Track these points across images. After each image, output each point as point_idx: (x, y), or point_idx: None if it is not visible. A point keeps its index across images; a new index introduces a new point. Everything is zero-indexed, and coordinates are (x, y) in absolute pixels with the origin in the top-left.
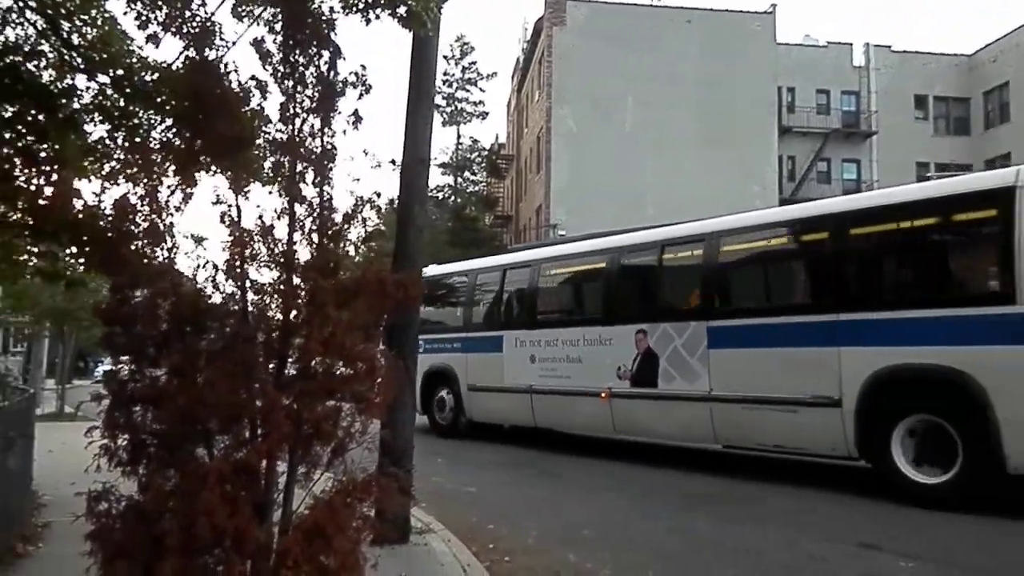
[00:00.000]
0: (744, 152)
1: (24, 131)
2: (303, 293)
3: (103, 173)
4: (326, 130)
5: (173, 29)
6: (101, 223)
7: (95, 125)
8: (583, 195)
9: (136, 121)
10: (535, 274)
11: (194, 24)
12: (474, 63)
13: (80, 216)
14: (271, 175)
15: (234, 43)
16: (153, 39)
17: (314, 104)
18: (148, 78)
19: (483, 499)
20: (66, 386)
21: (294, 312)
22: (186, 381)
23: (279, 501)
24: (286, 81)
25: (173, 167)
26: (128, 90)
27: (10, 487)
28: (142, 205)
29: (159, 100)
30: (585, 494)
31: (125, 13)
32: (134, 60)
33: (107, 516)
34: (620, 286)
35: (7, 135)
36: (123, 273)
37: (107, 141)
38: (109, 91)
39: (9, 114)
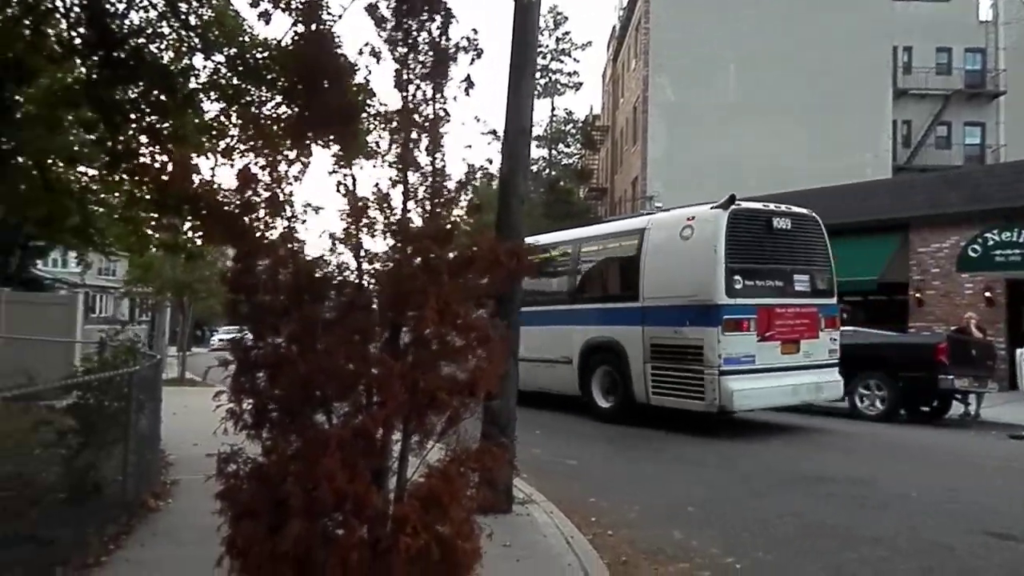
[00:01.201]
0: (855, 118)
1: (147, 111)
2: (418, 261)
3: (219, 149)
4: (438, 96)
5: (283, 5)
6: (219, 197)
7: (211, 103)
8: (681, 166)
9: (248, 98)
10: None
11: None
12: (567, 33)
13: (199, 191)
14: (374, 148)
15: (340, 16)
16: (264, 16)
17: (427, 70)
18: (259, 56)
19: (584, 472)
20: (186, 353)
21: (408, 281)
22: (305, 348)
23: (393, 469)
24: (399, 47)
25: (288, 140)
26: (241, 68)
27: (143, 447)
28: (263, 176)
29: (269, 77)
30: (690, 470)
31: None
32: (246, 39)
33: (235, 477)
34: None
35: (132, 115)
36: (243, 244)
37: (222, 118)
38: (223, 70)
39: (134, 95)
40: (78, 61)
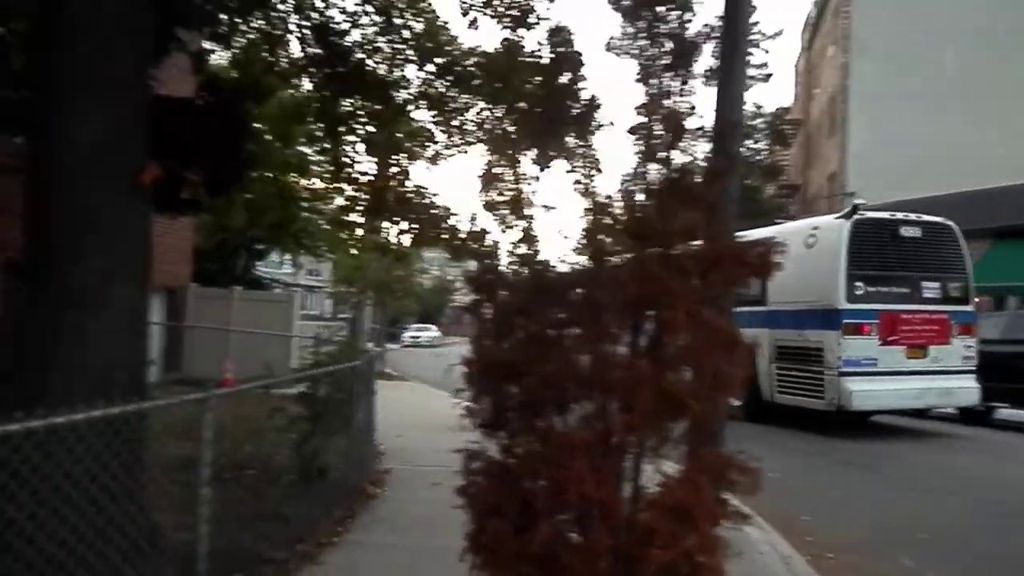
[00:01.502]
0: None
1: (365, 121)
2: (664, 260)
3: (428, 155)
4: (683, 88)
5: (491, 13)
6: (427, 200)
7: (421, 111)
8: (884, 160)
9: (454, 105)
10: None
11: (513, 6)
12: (755, 23)
13: (410, 196)
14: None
15: (545, 19)
16: (473, 24)
17: (670, 62)
18: (466, 64)
19: (790, 486)
20: (383, 349)
21: (654, 281)
22: (546, 349)
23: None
24: (641, 38)
25: (525, 140)
26: (450, 77)
27: (361, 436)
28: (505, 176)
29: (474, 83)
30: (907, 491)
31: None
32: (455, 49)
33: (480, 474)
34: None
35: (352, 126)
36: (447, 246)
37: (431, 126)
38: (433, 79)
39: (352, 107)
40: (305, 79)
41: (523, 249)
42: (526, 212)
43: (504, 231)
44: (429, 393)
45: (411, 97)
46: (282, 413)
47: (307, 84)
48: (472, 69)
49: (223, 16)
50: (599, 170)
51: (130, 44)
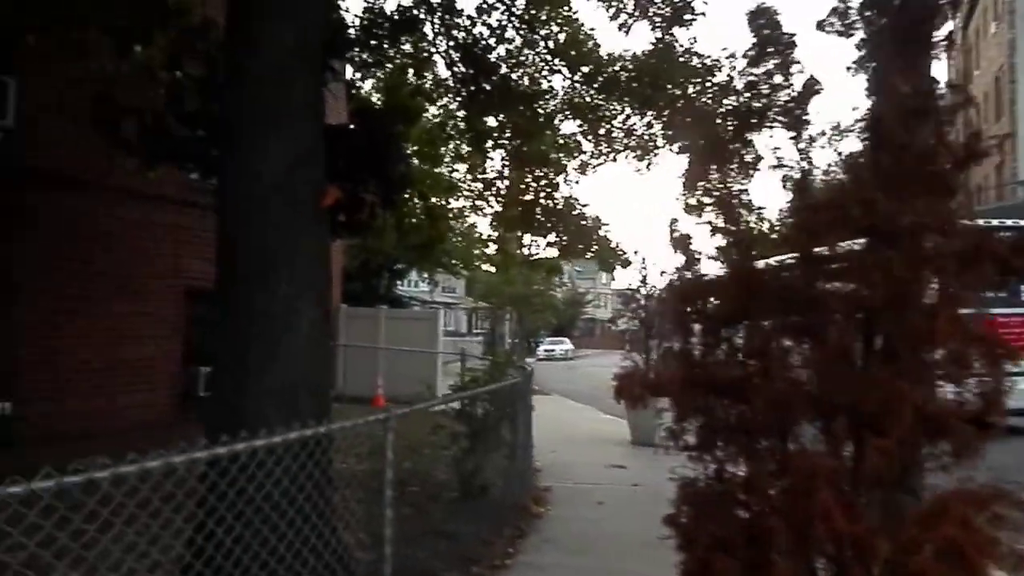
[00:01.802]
0: None
1: (511, 136)
2: (908, 257)
3: (576, 166)
4: (921, 62)
5: (640, 13)
6: (576, 211)
7: (567, 121)
8: None
9: (600, 113)
10: None
11: (663, 5)
12: None
13: (558, 207)
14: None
15: (702, 14)
16: (624, 27)
17: (903, 35)
18: (614, 70)
19: None
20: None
21: (905, 282)
22: (766, 363)
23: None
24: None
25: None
26: (596, 85)
27: (520, 453)
28: (714, 178)
29: (620, 91)
30: None
31: (598, 6)
32: (602, 56)
33: (694, 503)
34: None
35: (499, 140)
36: (690, 251)
37: (578, 136)
38: (579, 87)
39: (498, 122)
40: (449, 98)
41: (733, 254)
42: (737, 212)
43: (712, 234)
44: (572, 407)
45: (557, 108)
46: (443, 430)
47: (452, 104)
48: (620, 74)
49: (374, 43)
50: (810, 163)
51: (305, 73)
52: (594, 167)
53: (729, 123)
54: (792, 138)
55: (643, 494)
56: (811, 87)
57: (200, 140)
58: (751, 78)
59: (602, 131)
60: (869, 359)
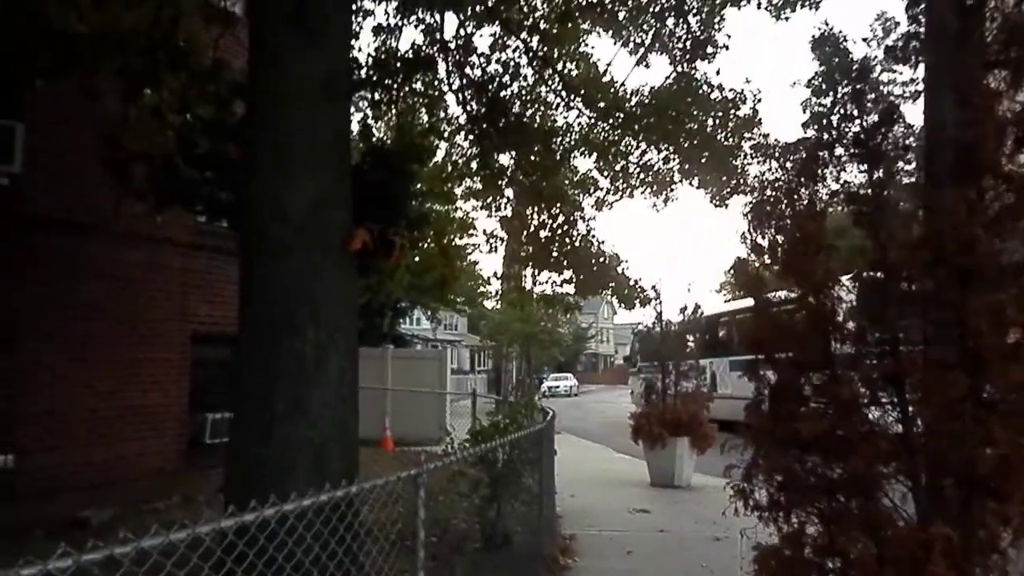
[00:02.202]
0: None
1: (529, 172)
2: (1019, 304)
3: (592, 202)
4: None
5: (659, 48)
6: (593, 248)
7: (583, 158)
8: None
9: (616, 149)
10: None
11: (684, 39)
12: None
13: (576, 244)
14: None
15: (724, 47)
16: (643, 61)
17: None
18: (630, 105)
19: None
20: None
21: (999, 331)
22: (848, 414)
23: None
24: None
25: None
26: (611, 120)
27: (544, 499)
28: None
29: (637, 126)
30: None
31: (616, 42)
32: (617, 89)
33: (781, 571)
34: None
35: (514, 177)
36: (616, 294)
37: (593, 172)
38: (597, 124)
39: (513, 159)
40: (462, 136)
41: (809, 296)
42: (811, 251)
43: (785, 275)
44: (584, 446)
45: (573, 144)
46: (464, 478)
47: (465, 142)
48: (637, 109)
49: (387, 81)
50: (889, 197)
51: (331, 111)
52: (610, 204)
53: (757, 158)
54: (866, 171)
55: (671, 541)
56: (889, 114)
57: (209, 182)
58: (819, 109)
59: (618, 167)
60: (978, 413)
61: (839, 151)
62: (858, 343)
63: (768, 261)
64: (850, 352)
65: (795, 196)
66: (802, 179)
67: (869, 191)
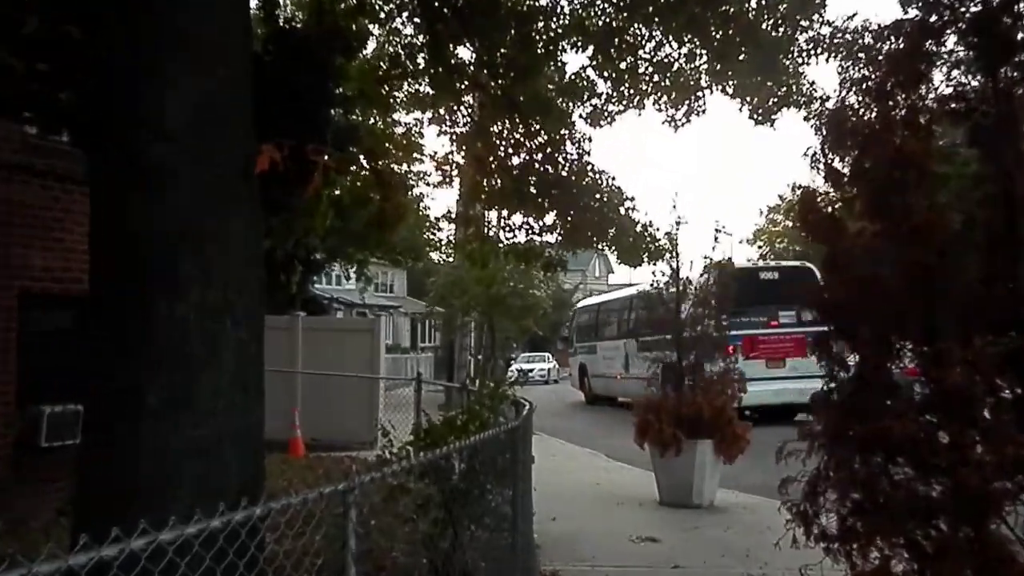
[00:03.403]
0: None
1: (498, 70)
2: None
3: (585, 113)
4: None
5: None
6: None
7: (575, 52)
8: None
9: (621, 39)
10: None
11: None
12: None
13: (562, 175)
14: None
15: None
16: None
17: None
18: None
19: None
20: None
21: None
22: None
23: None
24: None
25: None
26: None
27: (519, 524)
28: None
29: (652, 7)
30: None
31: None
32: None
33: None
34: None
35: (479, 80)
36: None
37: (589, 72)
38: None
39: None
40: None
41: (906, 242)
42: (910, 181)
43: (871, 217)
44: (568, 451)
45: (560, 32)
46: (407, 495)
47: (409, 26)
48: None
49: None
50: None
51: None
52: (611, 117)
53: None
54: (988, 69)
55: None
56: None
57: (43, 77)
58: None
59: (624, 65)
60: None
61: (951, 41)
62: (975, 311)
63: (849, 193)
64: (962, 322)
65: (889, 104)
66: (899, 80)
67: (992, 98)
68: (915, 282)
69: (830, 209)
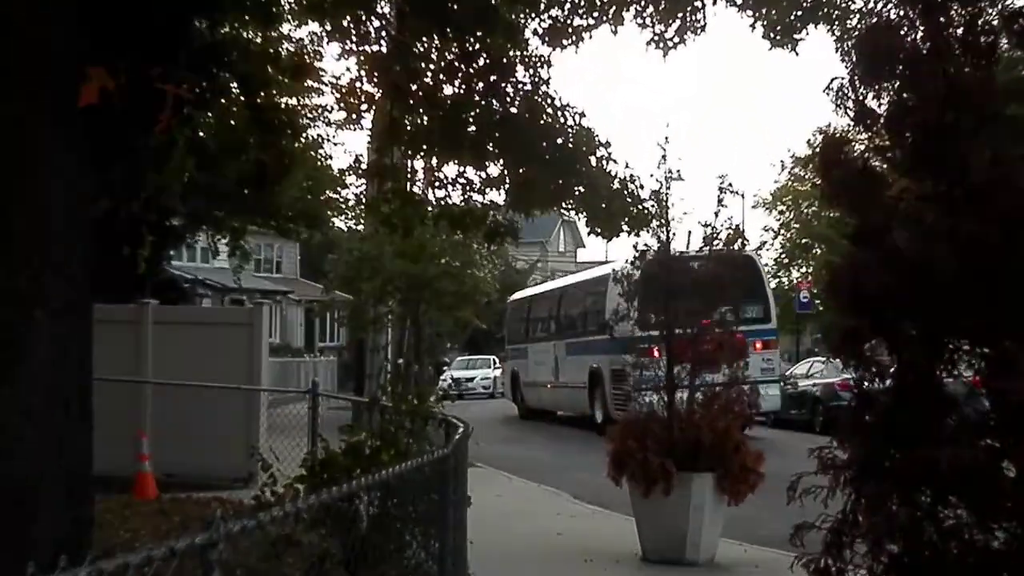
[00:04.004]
0: None
1: None
2: None
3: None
4: None
5: None
6: (545, 118)
7: None
8: None
9: None
10: None
11: None
12: None
13: (513, 111)
14: None
15: None
16: None
17: None
18: None
19: None
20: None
21: None
22: None
23: None
24: None
25: None
26: None
27: None
28: None
29: None
30: None
31: None
32: None
33: None
34: None
35: None
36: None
37: None
38: None
39: None
40: None
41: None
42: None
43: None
44: (517, 490)
45: None
46: (297, 550)
47: None
48: None
49: None
50: None
51: None
52: (576, 34)
53: None
54: None
55: None
56: None
57: None
58: None
59: None
60: None
61: None
62: None
63: (886, 140)
64: None
65: (941, 20)
66: None
67: None
68: (973, 263)
69: (861, 162)
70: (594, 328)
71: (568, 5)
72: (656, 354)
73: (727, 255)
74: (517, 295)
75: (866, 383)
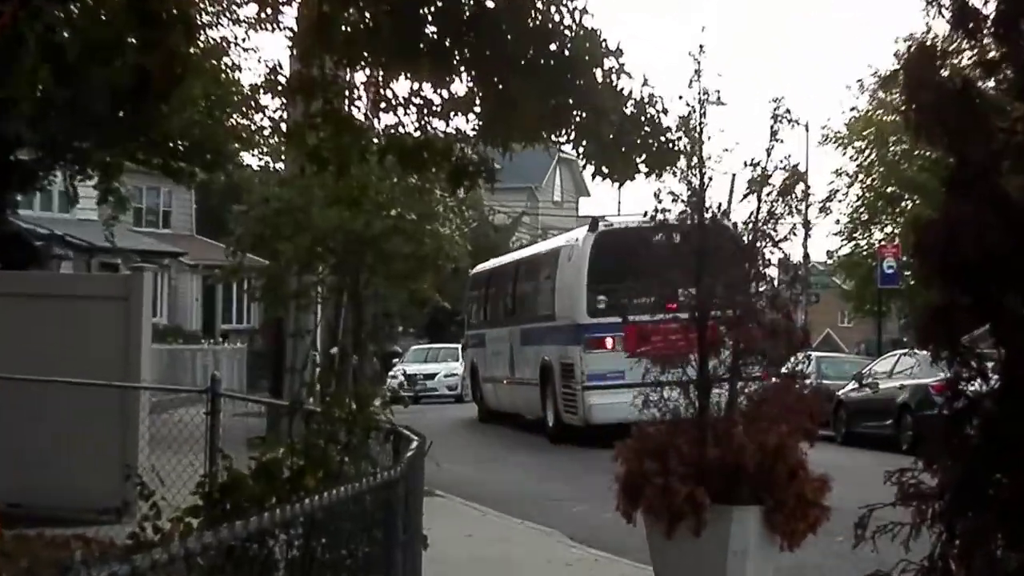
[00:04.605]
0: None
1: None
2: None
3: None
4: None
5: None
6: (535, 17)
7: None
8: None
9: None
10: None
11: None
12: None
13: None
14: None
15: None
16: None
17: None
18: None
19: None
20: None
21: None
22: None
23: None
24: None
25: None
26: None
27: None
28: None
29: None
30: None
31: None
32: None
33: None
34: None
35: None
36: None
37: None
38: None
39: None
40: None
41: None
42: None
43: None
44: (492, 526)
45: None
46: None
47: None
48: None
49: None
50: None
51: None
52: None
53: None
54: None
55: None
56: None
57: None
58: None
59: None
60: None
61: None
62: None
63: (996, 52)
64: None
65: None
66: None
67: None
68: None
69: (961, 81)
70: (547, 313)
71: None
72: (610, 345)
73: (698, 224)
74: (479, 267)
75: (963, 383)
